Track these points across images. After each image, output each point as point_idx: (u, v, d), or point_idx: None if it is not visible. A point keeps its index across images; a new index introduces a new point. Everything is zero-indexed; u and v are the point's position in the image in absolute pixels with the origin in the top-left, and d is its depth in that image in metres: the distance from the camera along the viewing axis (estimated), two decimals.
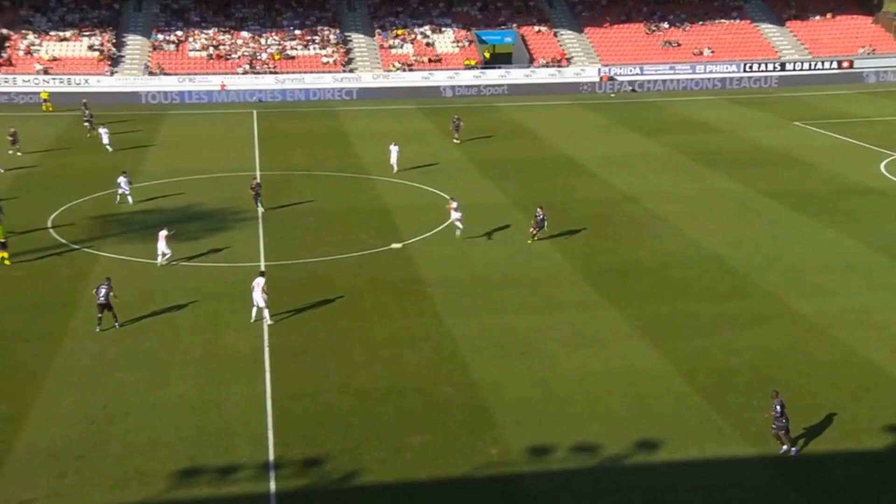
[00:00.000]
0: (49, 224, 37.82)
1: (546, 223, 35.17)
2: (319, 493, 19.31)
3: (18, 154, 49.67)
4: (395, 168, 46.68)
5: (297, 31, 79.99)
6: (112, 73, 73.27)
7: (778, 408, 20.28)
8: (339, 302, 29.57)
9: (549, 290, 30.50)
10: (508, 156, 51.76)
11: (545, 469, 20.08)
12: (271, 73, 74.81)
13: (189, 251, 34.05)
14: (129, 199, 40.91)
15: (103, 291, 27.03)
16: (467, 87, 75.43)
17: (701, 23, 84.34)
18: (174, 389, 23.55)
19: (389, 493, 19.31)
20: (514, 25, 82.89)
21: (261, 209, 39.04)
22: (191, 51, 76.44)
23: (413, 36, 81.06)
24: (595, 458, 20.43)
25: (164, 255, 32.77)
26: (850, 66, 79.93)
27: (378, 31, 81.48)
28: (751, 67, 79.36)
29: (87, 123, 55.89)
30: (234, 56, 76.38)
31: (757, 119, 62.52)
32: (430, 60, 78.20)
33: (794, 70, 79.77)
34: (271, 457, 20.44)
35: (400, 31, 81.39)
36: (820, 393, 23.15)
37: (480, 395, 23.24)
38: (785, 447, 20.45)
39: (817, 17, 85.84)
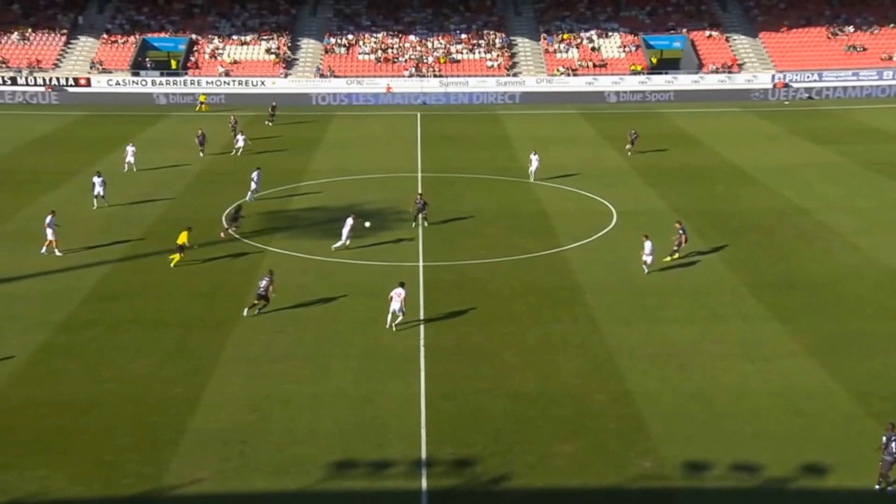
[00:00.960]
0: (223, 220, 40.03)
1: (685, 240, 33.53)
2: (469, 493, 19.52)
3: (201, 155, 52.81)
4: (533, 178, 45.88)
5: (464, 35, 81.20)
6: (286, 76, 76.91)
7: (887, 442, 18.96)
8: (494, 305, 29.76)
9: (711, 301, 29.56)
10: (672, 163, 50.52)
11: (700, 486, 19.47)
12: (436, 76, 76.28)
13: (352, 248, 35.19)
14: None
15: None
16: (632, 92, 74.23)
17: (891, 26, 79.28)
18: (332, 382, 24.41)
19: (538, 499, 19.27)
20: (684, 30, 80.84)
21: (425, 223, 37.75)
22: (360, 54, 79.11)
23: (579, 40, 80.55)
24: (755, 478, 19.63)
25: (343, 242, 34.55)
26: None
27: (544, 35, 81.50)
28: None
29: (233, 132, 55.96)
30: (400, 59, 78.43)
31: None
32: (594, 65, 77.50)
33: None
34: (423, 455, 20.82)
35: (566, 36, 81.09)
36: None
37: (634, 406, 22.82)
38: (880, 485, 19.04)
39: None
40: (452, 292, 30.91)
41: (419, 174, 48.97)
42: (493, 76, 76.40)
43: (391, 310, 27.59)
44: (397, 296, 27.59)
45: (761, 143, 55.35)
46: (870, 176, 45.84)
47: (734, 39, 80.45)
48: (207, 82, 75.41)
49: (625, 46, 79.48)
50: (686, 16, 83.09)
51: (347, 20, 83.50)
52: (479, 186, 46.09)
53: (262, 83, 75.41)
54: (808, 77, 74.84)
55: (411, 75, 76.55)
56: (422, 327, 27.95)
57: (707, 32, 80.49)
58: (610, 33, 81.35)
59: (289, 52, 79.42)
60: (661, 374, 24.58)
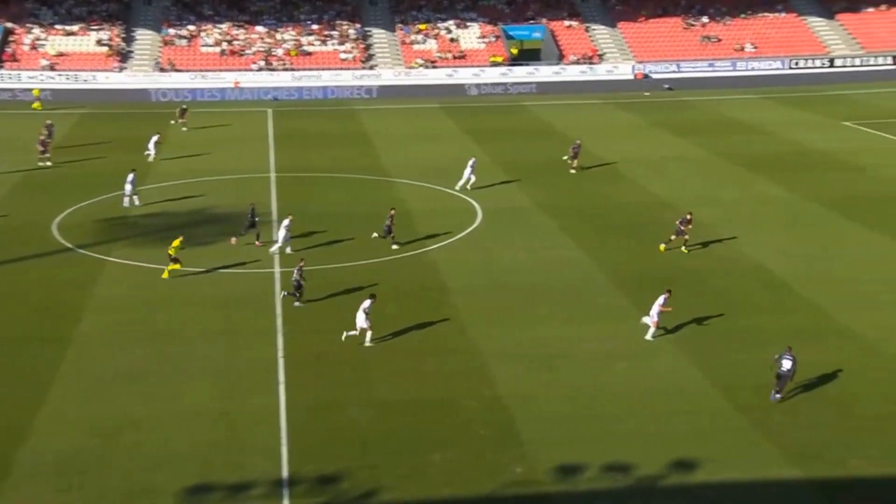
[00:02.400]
0: (54, 227, 38.29)
1: (686, 232, 34.71)
2: None
3: (47, 163, 49.33)
4: (469, 184, 44.18)
5: (315, 26, 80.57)
6: (121, 70, 74.16)
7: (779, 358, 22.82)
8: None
9: (581, 300, 30.52)
10: (536, 157, 51.79)
11: (573, 489, 20.08)
12: (287, 69, 75.38)
13: (202, 257, 34.35)
14: (135, 200, 41.25)
15: (296, 274, 29.73)
16: (493, 84, 75.62)
17: (743, 16, 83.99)
18: (185, 400, 23.78)
19: None
20: (543, 20, 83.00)
21: (395, 247, 35.55)
22: (203, 46, 77.23)
23: (437, 31, 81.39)
24: (627, 478, 20.41)
25: (280, 245, 34.53)
26: None
27: (400, 26, 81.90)
28: (797, 64, 78.94)
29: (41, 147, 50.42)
30: (248, 52, 77.06)
31: (803, 119, 62.19)
32: (454, 57, 78.48)
33: (845, 66, 79.23)
34: (285, 473, 20.58)
35: (423, 26, 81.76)
36: (873, 412, 22.99)
37: (506, 410, 23.29)
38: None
39: (871, 10, 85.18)
40: (312, 298, 30.65)
41: (273, 174, 48.30)
42: (349, 69, 76.15)
43: (357, 325, 26.82)
44: (363, 308, 26.95)
45: (625, 136, 57.54)
46: (730, 168, 48.43)
47: (594, 30, 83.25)
48: (29, 77, 71.71)
49: (484, 37, 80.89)
50: (545, 5, 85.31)
51: (187, 9, 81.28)
52: (339, 186, 45.89)
53: (94, 78, 72.37)
54: (666, 68, 78.30)
55: (260, 69, 75.34)
56: (280, 336, 27.62)
57: (566, 23, 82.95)
58: (469, 23, 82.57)
59: (123, 44, 76.60)
60: (533, 376, 25.19)
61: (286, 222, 35.08)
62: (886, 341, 26.89)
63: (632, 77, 77.56)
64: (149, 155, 50.50)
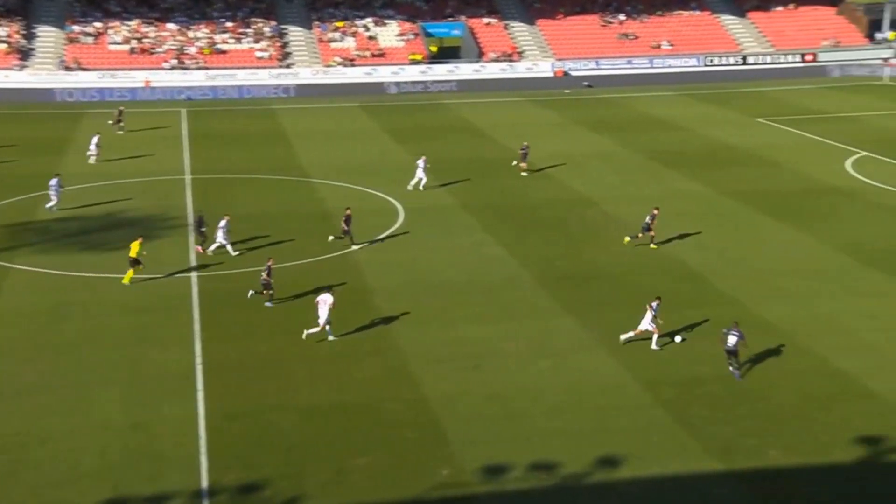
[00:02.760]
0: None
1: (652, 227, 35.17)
2: None
3: None
4: (421, 184, 44.02)
5: (229, 24, 79.42)
6: (22, 68, 71.85)
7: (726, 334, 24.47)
8: (279, 314, 29.41)
9: (504, 299, 30.71)
10: (457, 156, 52.01)
11: (500, 490, 20.18)
12: (201, 68, 74.11)
13: (112, 262, 33.53)
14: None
15: (264, 274, 29.80)
16: (413, 83, 75.66)
17: (659, 13, 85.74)
18: (96, 412, 23.16)
19: None
20: (462, 17, 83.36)
21: (355, 247, 35.46)
22: (111, 44, 75.42)
23: (354, 29, 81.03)
24: (553, 476, 20.60)
25: (219, 244, 34.26)
26: (814, 60, 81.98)
27: (317, 23, 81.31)
28: (712, 61, 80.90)
29: None
30: (159, 50, 75.51)
31: (718, 116, 63.75)
32: (372, 55, 78.26)
33: (757, 64, 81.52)
34: (204, 483, 20.21)
35: (340, 24, 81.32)
36: (788, 403, 23.66)
37: (431, 412, 23.30)
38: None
39: (780, 9, 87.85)
40: (232, 303, 30.24)
41: (188, 176, 47.45)
42: (265, 67, 75.29)
43: (320, 321, 26.90)
44: (323, 302, 27.01)
45: (545, 134, 58.13)
46: (649, 164, 49.35)
47: (513, 27, 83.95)
48: None
49: (403, 35, 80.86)
50: (464, 3, 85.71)
51: (92, 5, 79.24)
52: (257, 187, 45.32)
53: None
54: (585, 65, 79.43)
55: (172, 68, 73.90)
56: (198, 342, 27.16)
57: (486, 20, 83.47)
58: (387, 21, 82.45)
59: (23, 41, 74.24)
60: (457, 376, 25.26)
61: (223, 223, 34.53)
62: (800, 333, 27.72)
63: (551, 74, 78.44)
64: (91, 156, 49.31)
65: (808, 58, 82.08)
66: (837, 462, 21.03)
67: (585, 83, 77.31)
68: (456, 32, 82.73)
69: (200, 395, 24.03)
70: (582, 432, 22.38)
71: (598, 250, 35.56)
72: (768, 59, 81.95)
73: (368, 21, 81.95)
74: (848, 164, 48.85)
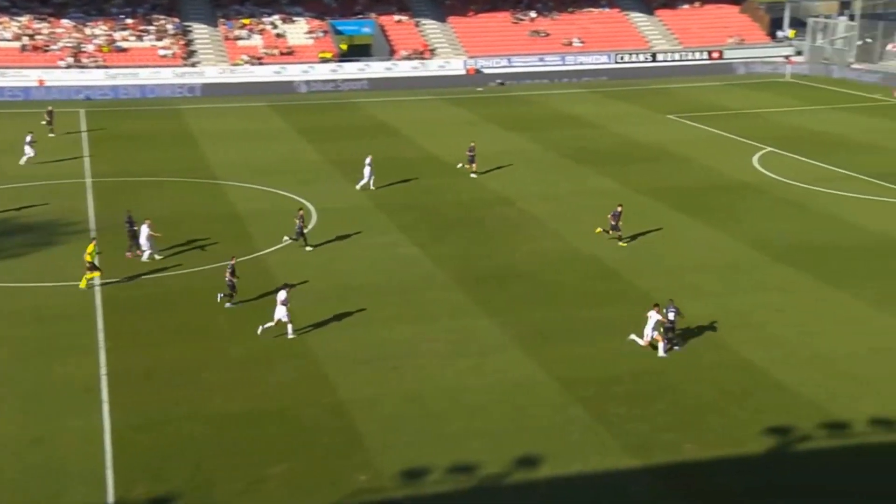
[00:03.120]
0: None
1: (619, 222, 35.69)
2: None
3: None
4: (371, 183, 43.65)
5: (129, 20, 77.52)
6: None
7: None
8: (189, 320, 28.85)
9: (421, 299, 30.69)
10: (371, 155, 51.73)
11: (419, 493, 20.14)
12: (100, 66, 72.17)
13: (13, 270, 32.37)
14: None
15: (228, 274, 29.74)
16: (324, 81, 75.09)
17: (570, 11, 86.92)
18: None
19: None
20: (372, 15, 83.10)
21: (308, 248, 35.38)
22: (0, 41, 72.77)
23: (261, 26, 79.99)
24: (473, 477, 20.65)
25: (148, 253, 33.68)
26: (721, 57, 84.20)
27: (222, 20, 80.00)
28: (622, 58, 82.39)
29: None
30: (53, 47, 73.22)
31: (630, 113, 64.95)
32: (281, 53, 77.37)
33: (666, 61, 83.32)
34: (111, 497, 19.69)
35: (246, 21, 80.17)
36: (703, 397, 24.21)
37: (348, 416, 23.13)
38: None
39: (686, 6, 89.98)
40: (139, 309, 29.55)
41: (88, 179, 46.15)
42: (169, 66, 73.73)
43: (275, 317, 27.01)
44: (279, 299, 27.02)
45: (459, 132, 58.32)
46: (563, 162, 49.95)
47: (424, 24, 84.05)
48: None
49: (312, 32, 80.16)
50: (373, 0, 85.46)
51: None
52: (163, 190, 44.33)
53: None
54: (498, 63, 79.99)
55: (69, 66, 71.73)
56: (102, 352, 26.44)
57: (396, 17, 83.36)
58: (295, 18, 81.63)
59: None
60: (375, 379, 25.13)
61: (146, 228, 33.68)
62: (713, 329, 28.39)
63: (464, 72, 78.78)
64: (26, 157, 47.92)
65: (715, 55, 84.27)
66: (750, 453, 21.60)
67: (498, 81, 77.88)
68: (366, 30, 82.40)
69: (105, 407, 23.37)
70: (501, 432, 22.49)
71: (514, 249, 35.82)
72: (676, 56, 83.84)
73: (276, 18, 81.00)
74: (755, 159, 50.31)
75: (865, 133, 56.91)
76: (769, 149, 52.64)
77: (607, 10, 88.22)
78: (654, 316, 26.48)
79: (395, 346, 27.16)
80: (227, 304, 29.92)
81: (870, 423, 22.64)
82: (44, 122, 56.50)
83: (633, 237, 36.66)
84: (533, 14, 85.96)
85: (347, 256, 34.88)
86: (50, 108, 58.75)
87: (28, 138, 48.66)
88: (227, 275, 29.96)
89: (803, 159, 50.17)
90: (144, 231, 33.81)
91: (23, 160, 48.08)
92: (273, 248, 35.45)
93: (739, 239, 36.76)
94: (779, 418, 22.99)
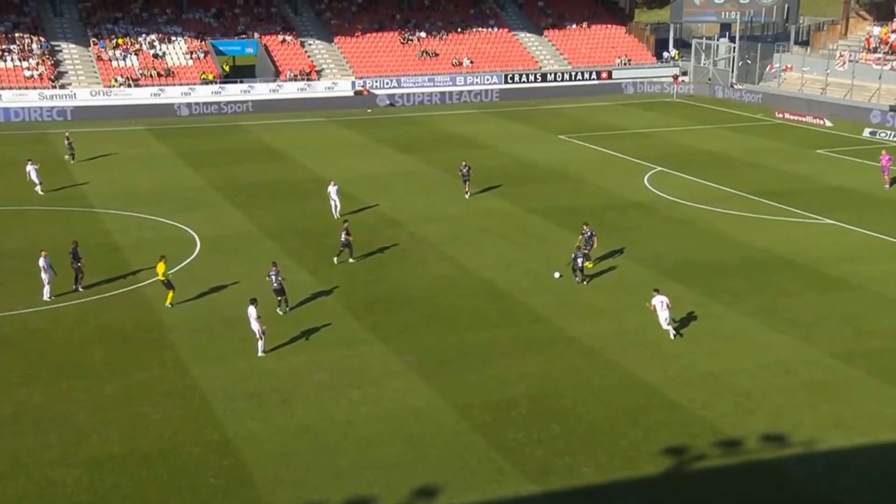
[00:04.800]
0: None
1: (595, 241, 35.93)
2: None
3: None
4: (337, 215, 42.59)
5: None
6: None
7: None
8: (60, 358, 27.79)
9: (310, 327, 30.32)
10: (256, 179, 51.19)
11: None
12: None
13: None
14: None
15: (273, 276, 31.05)
16: (206, 104, 73.96)
17: (459, 31, 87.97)
18: None
19: None
20: (256, 35, 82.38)
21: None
22: None
23: (137, 46, 78.31)
24: None
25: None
26: (609, 77, 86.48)
27: (94, 40, 78.01)
28: (512, 78, 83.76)
29: None
30: None
31: (521, 133, 66.01)
32: (159, 74, 75.87)
33: (556, 81, 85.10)
34: None
35: (121, 41, 78.39)
36: (598, 419, 24.57)
37: (236, 453, 22.61)
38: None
39: (574, 26, 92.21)
40: (4, 349, 28.35)
41: None
42: (35, 88, 71.39)
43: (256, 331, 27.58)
44: (249, 315, 27.75)
45: (348, 154, 58.23)
46: (454, 183, 50.33)
47: (310, 45, 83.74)
48: None
49: (192, 53, 78.91)
50: (256, 18, 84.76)
51: None
52: (32, 219, 42.75)
53: None
54: (387, 83, 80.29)
55: None
56: None
57: (281, 37, 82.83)
58: (173, 38, 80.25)
59: None
60: (263, 413, 24.67)
61: (42, 261, 32.25)
62: (607, 348, 28.92)
63: (352, 93, 78.76)
64: (37, 185, 47.62)
65: (604, 75, 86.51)
66: (645, 475, 21.98)
67: (387, 102, 78.11)
68: (249, 51, 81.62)
69: None
70: (397, 463, 22.34)
71: (405, 273, 35.82)
72: (566, 76, 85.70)
73: (153, 38, 79.45)
74: (645, 179, 51.72)
75: (748, 152, 59.22)
76: (659, 168, 54.20)
77: (496, 30, 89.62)
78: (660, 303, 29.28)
79: (284, 377, 26.74)
80: (350, 260, 35.63)
81: (761, 440, 23.35)
82: (68, 158, 55.47)
83: (524, 258, 37.11)
84: (422, 34, 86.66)
85: (233, 285, 34.23)
86: (68, 133, 57.27)
87: (31, 167, 48.13)
88: (343, 235, 35.45)
89: (691, 178, 51.84)
90: (42, 264, 32.31)
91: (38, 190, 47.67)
92: (153, 279, 34.54)
93: (631, 258, 37.64)
94: (673, 438, 23.51)
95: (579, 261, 33.95)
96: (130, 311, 31.61)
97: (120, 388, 25.90)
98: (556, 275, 34.69)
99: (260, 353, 27.90)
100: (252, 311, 27.84)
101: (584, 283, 34.12)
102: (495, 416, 24.57)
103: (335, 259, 36.73)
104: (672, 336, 29.37)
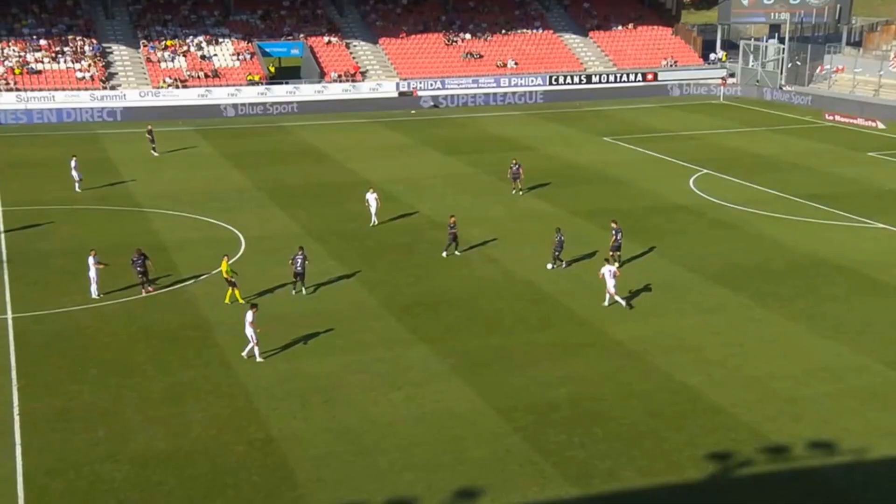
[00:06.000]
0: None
1: (621, 241, 36.21)
2: None
3: None
4: (375, 220, 42.53)
5: (42, 42, 76.23)
6: None
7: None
8: (108, 356, 28.25)
9: (352, 328, 30.53)
10: (300, 180, 51.62)
11: None
12: (11, 90, 70.76)
13: None
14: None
15: (300, 260, 32.56)
16: (251, 105, 74.69)
17: (503, 32, 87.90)
18: None
19: None
20: (301, 36, 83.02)
21: (457, 253, 37.82)
22: None
23: (185, 48, 79.32)
24: None
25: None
26: (655, 79, 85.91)
27: (144, 42, 79.14)
28: (556, 80, 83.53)
29: None
30: None
31: (565, 135, 65.80)
32: (206, 76, 76.78)
33: (601, 83, 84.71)
34: None
35: (170, 43, 79.45)
36: (640, 423, 24.45)
37: (279, 453, 22.84)
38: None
39: (619, 28, 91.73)
40: (54, 346, 28.87)
41: None
42: (87, 89, 72.61)
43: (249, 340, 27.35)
44: (246, 320, 27.25)
45: (392, 156, 58.47)
46: (497, 185, 50.32)
47: (355, 46, 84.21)
48: None
49: (238, 54, 79.75)
50: (302, 20, 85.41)
51: None
52: (81, 218, 43.51)
53: None
54: (431, 85, 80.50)
55: None
56: (15, 391, 25.74)
57: (326, 38, 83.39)
58: (220, 39, 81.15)
59: None
60: (306, 413, 24.88)
61: (91, 260, 32.88)
62: (649, 351, 28.77)
63: (396, 94, 79.05)
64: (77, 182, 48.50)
65: (649, 77, 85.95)
66: (688, 480, 21.85)
67: (431, 103, 78.30)
68: (295, 52, 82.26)
69: (18, 451, 22.71)
70: (438, 465, 22.42)
71: (447, 274, 35.90)
72: (611, 77, 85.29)
73: (200, 40, 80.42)
74: (691, 181, 51.30)
75: (797, 155, 58.51)
76: (705, 171, 53.74)
77: (541, 31, 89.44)
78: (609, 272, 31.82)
79: (326, 378, 26.95)
80: (456, 253, 36.99)
81: (808, 447, 23.10)
82: (153, 152, 57.68)
83: (570, 262, 37.01)
84: (466, 36, 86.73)
85: (276, 285, 34.54)
86: (149, 126, 59.25)
87: (73, 163, 48.92)
88: (450, 229, 36.93)
89: (737, 181, 51.34)
90: (92, 262, 32.94)
91: (78, 187, 48.54)
92: (199, 279, 34.98)
93: (675, 261, 37.38)
94: (716, 443, 23.34)
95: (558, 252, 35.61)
96: (176, 309, 32.04)
97: (166, 387, 26.29)
98: (549, 266, 36.05)
99: (258, 359, 27.77)
100: (249, 315, 27.66)
101: (562, 266, 35.81)
102: (536, 419, 24.56)
103: (444, 253, 37.63)
104: (625, 305, 31.92)
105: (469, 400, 25.70)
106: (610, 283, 31.95)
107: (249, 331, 27.67)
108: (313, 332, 30.24)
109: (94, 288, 32.81)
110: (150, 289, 33.46)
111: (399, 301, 33.08)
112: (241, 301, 31.91)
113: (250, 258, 37.75)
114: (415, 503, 20.83)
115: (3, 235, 40.56)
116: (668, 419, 24.58)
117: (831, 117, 71.13)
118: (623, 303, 32.09)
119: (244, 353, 27.98)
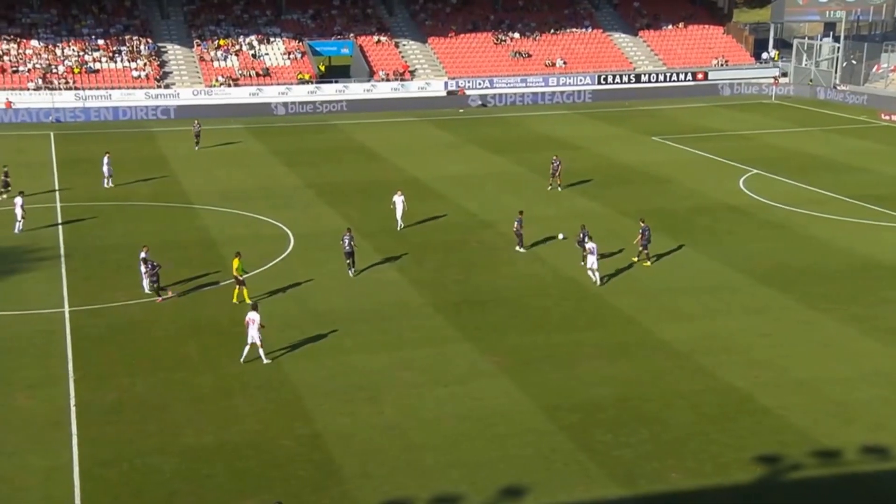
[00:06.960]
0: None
1: (650, 239, 36.37)
2: None
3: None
4: (401, 224, 42.14)
5: (100, 41, 77.53)
6: None
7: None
8: (159, 350, 28.65)
9: (398, 326, 30.62)
10: (349, 178, 51.88)
11: None
12: (70, 88, 72.06)
13: None
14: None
15: (347, 240, 34.37)
16: (301, 103, 75.22)
17: (552, 32, 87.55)
18: None
19: None
20: (351, 35, 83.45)
21: (522, 250, 38.39)
22: None
23: (237, 47, 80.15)
24: None
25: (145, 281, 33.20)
26: (705, 78, 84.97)
27: (197, 41, 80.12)
28: (605, 79, 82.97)
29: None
30: (22, 69, 73.09)
31: (614, 134, 65.35)
32: (257, 74, 77.51)
33: (650, 82, 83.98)
34: None
35: (222, 42, 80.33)
36: (686, 424, 24.20)
37: (325, 448, 22.99)
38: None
39: (669, 27, 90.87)
40: (108, 339, 29.35)
41: (58, 204, 45.96)
42: (142, 88, 73.73)
43: (249, 341, 26.95)
44: (251, 322, 26.91)
45: (440, 154, 58.53)
46: (544, 184, 50.11)
47: (404, 45, 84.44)
48: None
49: (289, 53, 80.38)
50: (352, 20, 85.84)
51: None
52: (135, 215, 44.19)
53: None
54: (479, 84, 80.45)
55: (38, 88, 71.60)
56: (71, 384, 26.21)
57: (376, 38, 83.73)
58: (272, 38, 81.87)
59: None
60: (352, 409, 25.01)
61: (143, 254, 33.24)
62: (696, 352, 28.46)
63: (444, 93, 79.12)
64: (107, 179, 49.48)
65: (700, 76, 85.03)
66: (736, 482, 21.59)
67: (480, 102, 78.25)
68: (345, 51, 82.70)
69: (74, 442, 23.12)
70: (483, 462, 22.40)
71: (494, 273, 35.85)
72: (661, 77, 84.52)
73: (252, 39, 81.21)
74: (741, 181, 50.66)
75: (851, 155, 57.48)
76: (755, 171, 53.04)
77: (590, 30, 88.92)
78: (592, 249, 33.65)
79: (372, 374, 27.06)
80: (520, 249, 37.65)
81: (860, 451, 22.69)
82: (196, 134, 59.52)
83: (652, 258, 36.73)
84: (515, 35, 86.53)
85: (324, 282, 34.79)
86: (197, 121, 61.08)
87: (106, 159, 49.74)
88: (517, 226, 37.70)
89: (789, 181, 50.59)
90: (144, 257, 33.29)
91: (107, 183, 49.45)
92: (247, 275, 35.30)
93: (723, 262, 36.94)
94: (765, 445, 23.02)
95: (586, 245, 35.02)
96: (225, 305, 32.38)
97: (214, 381, 26.58)
98: (560, 236, 38.18)
99: (265, 360, 27.49)
100: (254, 315, 27.35)
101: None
102: (582, 418, 24.43)
103: (520, 249, 38.25)
104: (598, 282, 33.80)
105: (514, 398, 25.64)
106: (590, 260, 34.01)
107: (254, 333, 27.10)
108: (360, 328, 30.37)
109: (146, 283, 33.27)
110: (168, 294, 33.12)
111: (446, 299, 33.10)
112: (247, 301, 31.56)
113: (299, 255, 38.01)
114: (460, 501, 20.83)
115: (61, 230, 41.28)
116: (715, 421, 24.30)
117: (888, 117, 69.76)
118: (596, 278, 34.01)
119: (242, 359, 27.43)
